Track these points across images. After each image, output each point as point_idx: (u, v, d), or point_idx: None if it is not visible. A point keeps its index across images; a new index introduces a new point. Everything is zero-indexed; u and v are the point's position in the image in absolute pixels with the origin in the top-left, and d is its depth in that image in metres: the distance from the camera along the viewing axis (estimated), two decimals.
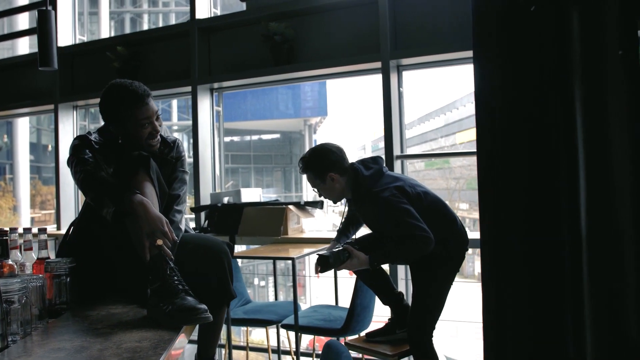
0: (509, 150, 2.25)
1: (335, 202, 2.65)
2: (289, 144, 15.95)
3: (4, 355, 1.25)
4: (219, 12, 4.26)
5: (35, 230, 1.96)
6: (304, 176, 2.58)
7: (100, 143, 1.92)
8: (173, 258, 1.60)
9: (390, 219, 2.35)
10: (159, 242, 1.60)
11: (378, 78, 3.76)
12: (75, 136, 2.00)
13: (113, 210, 1.67)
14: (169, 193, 1.93)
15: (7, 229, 1.89)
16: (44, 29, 2.34)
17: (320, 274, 2.47)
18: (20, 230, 1.94)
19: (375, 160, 2.56)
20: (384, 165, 2.57)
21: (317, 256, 2.42)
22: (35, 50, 5.40)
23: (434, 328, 2.46)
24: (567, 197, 2.07)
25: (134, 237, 1.63)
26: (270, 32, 3.60)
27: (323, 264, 2.39)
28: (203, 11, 4.05)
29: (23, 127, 9.46)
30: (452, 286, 2.54)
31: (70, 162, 1.86)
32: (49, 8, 2.36)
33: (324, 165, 2.49)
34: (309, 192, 15.50)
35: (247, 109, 13.74)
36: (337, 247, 2.47)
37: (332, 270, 2.49)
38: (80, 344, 1.31)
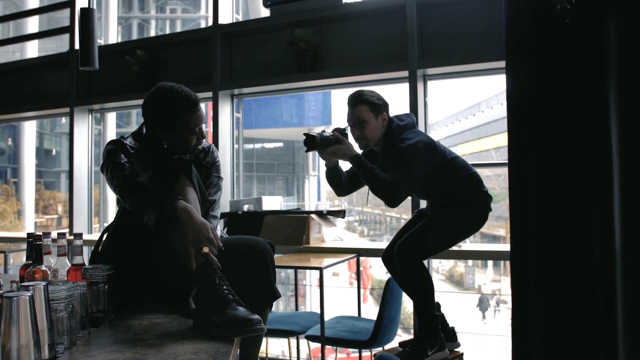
0: (540, 161, 2.22)
1: (365, 147, 2.59)
2: (292, 153, 15.91)
3: None
4: (240, 18, 4.22)
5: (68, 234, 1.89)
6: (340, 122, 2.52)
7: (136, 148, 1.87)
8: (220, 266, 1.54)
9: (400, 159, 2.37)
10: (205, 249, 1.54)
11: (383, 87, 3.76)
12: (109, 141, 1.93)
13: (155, 216, 1.61)
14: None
15: (40, 233, 1.84)
16: (86, 28, 2.29)
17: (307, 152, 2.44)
18: (54, 235, 1.88)
19: (408, 114, 2.62)
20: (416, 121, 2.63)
21: (304, 135, 2.39)
22: (45, 53, 5.38)
23: (423, 258, 2.46)
24: (599, 209, 2.03)
25: (178, 244, 1.57)
26: (295, 38, 3.56)
27: (309, 143, 2.36)
28: (226, 17, 4.01)
29: (29, 131, 9.38)
30: (461, 239, 2.62)
31: (105, 168, 1.81)
32: (92, 6, 2.31)
33: (382, 102, 2.52)
34: (311, 201, 15.45)
35: (251, 118, 13.72)
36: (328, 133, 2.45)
37: (318, 151, 2.42)
38: (132, 355, 1.25)
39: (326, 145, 2.39)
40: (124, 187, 1.71)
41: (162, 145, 1.85)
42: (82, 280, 1.63)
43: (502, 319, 12.41)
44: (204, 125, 1.89)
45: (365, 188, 2.57)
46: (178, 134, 1.81)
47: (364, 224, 19.44)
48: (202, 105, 4.12)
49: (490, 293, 13.67)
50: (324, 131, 2.43)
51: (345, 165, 2.60)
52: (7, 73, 5.03)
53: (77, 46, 4.41)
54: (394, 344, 2.81)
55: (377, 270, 12.48)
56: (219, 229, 1.98)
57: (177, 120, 1.79)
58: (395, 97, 3.94)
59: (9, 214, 9.09)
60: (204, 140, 1.91)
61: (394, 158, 2.41)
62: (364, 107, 2.48)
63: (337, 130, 2.45)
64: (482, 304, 12.96)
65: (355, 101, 2.50)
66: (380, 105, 2.49)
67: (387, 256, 2.62)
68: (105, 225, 2.00)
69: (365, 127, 2.48)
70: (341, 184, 2.60)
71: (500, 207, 11.18)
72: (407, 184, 2.33)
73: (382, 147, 2.52)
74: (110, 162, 1.78)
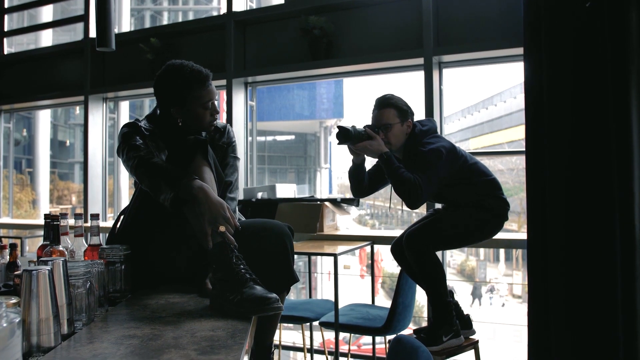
0: (558, 149, 2.18)
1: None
2: (304, 146, 15.90)
3: (73, 341, 1.19)
4: (254, 6, 4.21)
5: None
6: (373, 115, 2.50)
7: (150, 130, 1.87)
8: (237, 245, 1.53)
9: (421, 163, 2.35)
10: (222, 228, 1.52)
11: (395, 77, 3.76)
12: (124, 124, 1.93)
13: (172, 196, 1.60)
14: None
15: (57, 214, 1.84)
16: (102, 9, 2.30)
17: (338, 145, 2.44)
18: (72, 222, 1.88)
19: (430, 120, 2.61)
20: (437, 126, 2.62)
21: (337, 128, 2.38)
22: (59, 42, 5.41)
23: (433, 247, 2.43)
24: (619, 198, 1.99)
25: (195, 224, 1.56)
26: (309, 25, 3.54)
27: (343, 136, 2.36)
28: (239, 4, 4.00)
29: (44, 121, 9.46)
30: (472, 239, 2.55)
31: (120, 150, 1.80)
32: None
33: (409, 109, 2.51)
34: (323, 194, 15.45)
35: (262, 110, 13.70)
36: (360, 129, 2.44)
37: (348, 145, 2.43)
38: (150, 331, 1.25)
39: (358, 140, 2.39)
40: (140, 168, 1.70)
41: (177, 125, 1.84)
42: (100, 260, 1.63)
43: (496, 306, 12.46)
44: (216, 102, 1.88)
45: (389, 190, 2.57)
46: (191, 110, 1.80)
47: (375, 217, 19.42)
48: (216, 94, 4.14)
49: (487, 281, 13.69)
50: (353, 126, 2.42)
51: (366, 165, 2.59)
52: (23, 62, 5.07)
53: (91, 34, 4.43)
54: (407, 331, 2.80)
55: (389, 263, 12.49)
56: (237, 211, 1.97)
57: (188, 95, 1.78)
58: (409, 86, 3.91)
59: (24, 203, 9.20)
60: (217, 116, 1.89)
61: (415, 162, 2.40)
62: (392, 110, 2.47)
63: (368, 127, 2.44)
64: (476, 291, 13.00)
65: (383, 104, 2.49)
66: (407, 112, 2.49)
67: (396, 248, 2.61)
68: None
69: (389, 131, 2.46)
70: (362, 184, 2.59)
71: (514, 201, 11.10)
72: (429, 187, 2.32)
73: (403, 152, 2.51)
74: (126, 144, 1.78)
